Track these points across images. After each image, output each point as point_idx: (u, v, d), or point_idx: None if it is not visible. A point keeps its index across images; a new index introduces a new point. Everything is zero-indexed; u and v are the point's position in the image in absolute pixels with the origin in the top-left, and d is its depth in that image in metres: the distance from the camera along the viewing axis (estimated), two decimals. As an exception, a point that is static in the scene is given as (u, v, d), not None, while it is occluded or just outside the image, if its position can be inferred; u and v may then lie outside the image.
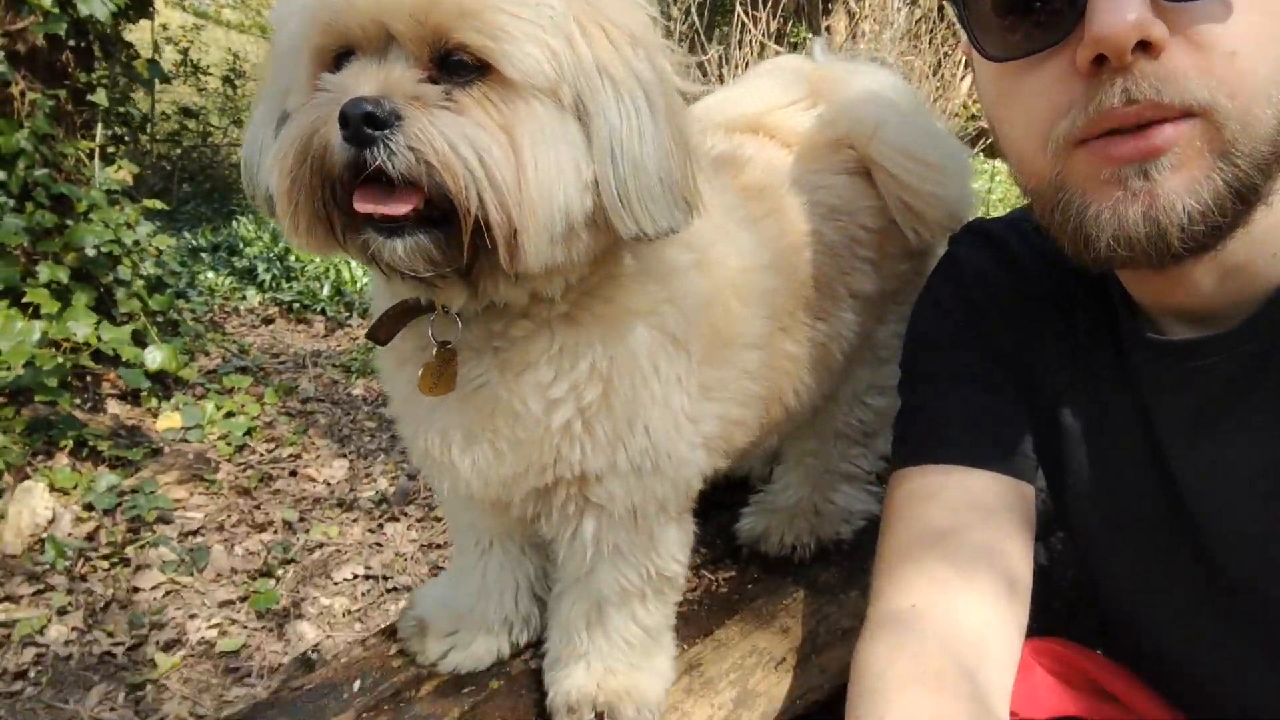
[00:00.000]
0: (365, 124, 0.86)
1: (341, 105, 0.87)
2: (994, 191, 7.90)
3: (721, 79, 7.65)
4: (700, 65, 7.71)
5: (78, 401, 3.33)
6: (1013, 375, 1.19)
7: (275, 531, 3.02)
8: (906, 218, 1.48)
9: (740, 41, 7.57)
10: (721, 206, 1.25)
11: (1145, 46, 0.80)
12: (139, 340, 3.61)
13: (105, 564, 2.69)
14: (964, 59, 8.17)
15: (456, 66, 0.92)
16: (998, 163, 8.47)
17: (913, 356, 1.30)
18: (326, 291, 5.34)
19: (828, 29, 8.20)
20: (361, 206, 0.90)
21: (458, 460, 1.15)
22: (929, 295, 1.31)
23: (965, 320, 1.23)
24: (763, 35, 7.60)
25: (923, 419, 1.23)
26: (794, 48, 7.97)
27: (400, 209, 0.89)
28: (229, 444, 3.47)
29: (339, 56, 0.96)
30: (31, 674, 2.26)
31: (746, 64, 7.68)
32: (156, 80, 4.34)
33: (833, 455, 1.66)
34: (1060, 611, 1.11)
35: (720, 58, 7.76)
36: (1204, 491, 1.01)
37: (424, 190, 0.89)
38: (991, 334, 1.20)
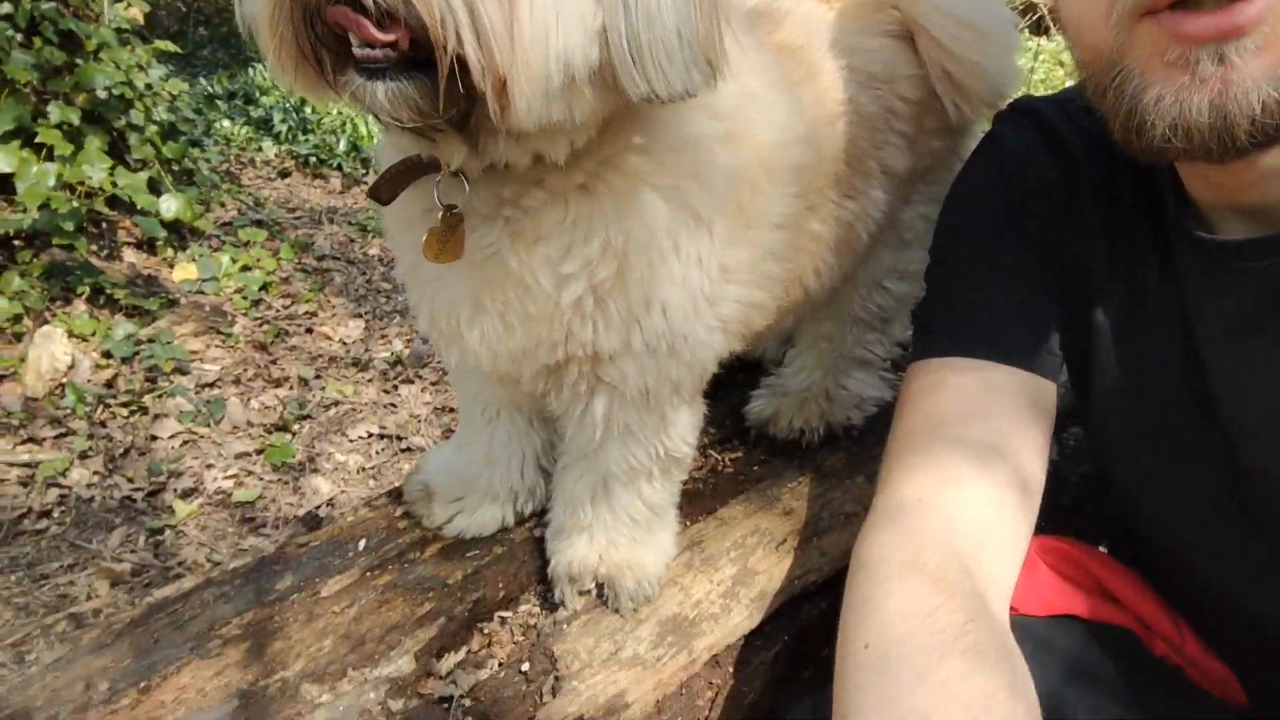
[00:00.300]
0: None
1: None
2: (1036, 72, 7.52)
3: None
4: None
5: (94, 248, 3.32)
6: (1048, 267, 1.12)
7: (291, 387, 3.04)
8: (948, 89, 1.38)
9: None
10: (755, 68, 1.15)
11: None
12: (154, 189, 3.56)
13: (124, 411, 2.73)
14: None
15: None
16: (1043, 40, 8.06)
17: (944, 242, 1.24)
18: (343, 146, 5.23)
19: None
20: (334, 15, 0.82)
21: (465, 331, 1.11)
22: (967, 177, 1.24)
23: (1004, 205, 1.16)
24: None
25: (948, 308, 1.18)
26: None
27: (374, 31, 0.82)
28: (245, 298, 3.46)
29: None
30: (55, 514, 2.33)
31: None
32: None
33: (848, 340, 1.62)
34: (1068, 507, 1.09)
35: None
36: (1239, 397, 0.97)
37: (405, 25, 0.81)
38: (1030, 221, 1.13)
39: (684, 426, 1.27)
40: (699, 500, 1.48)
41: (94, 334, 2.97)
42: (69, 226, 3.06)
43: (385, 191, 1.07)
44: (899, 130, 1.37)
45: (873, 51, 1.36)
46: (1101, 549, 1.23)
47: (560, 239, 1.04)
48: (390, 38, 0.81)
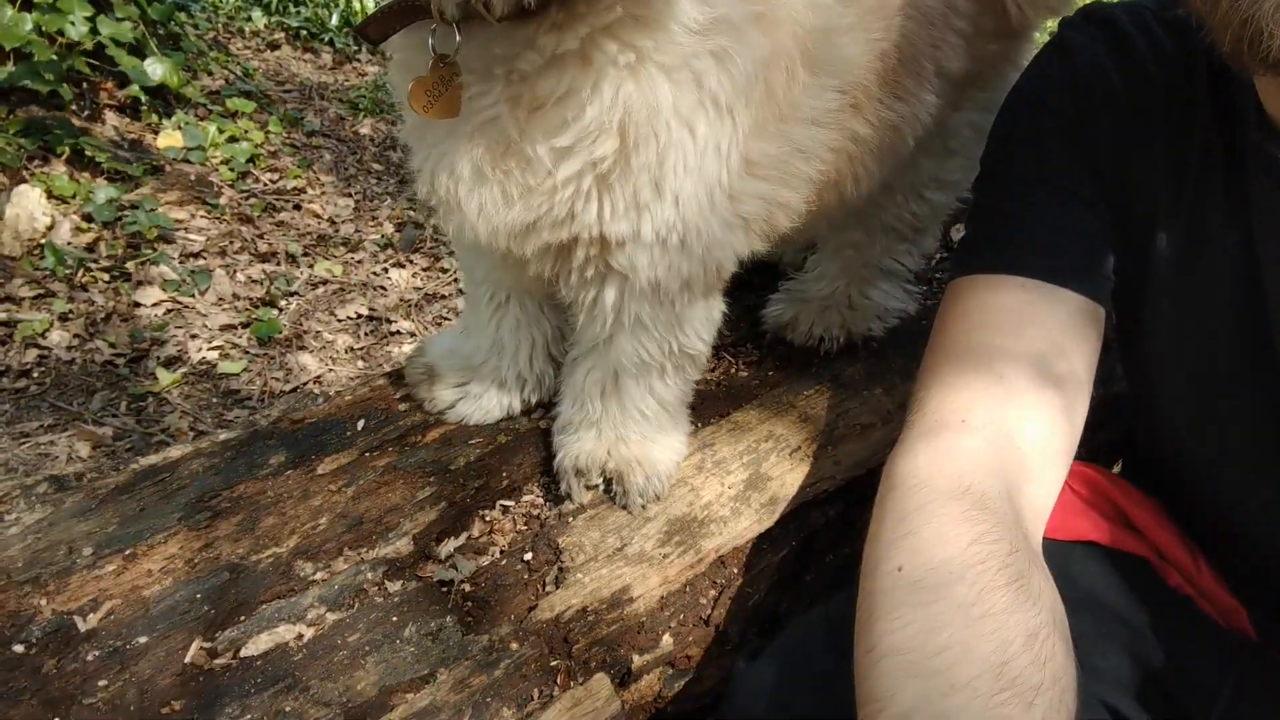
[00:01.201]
0: None
1: None
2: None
3: None
4: None
5: (74, 109, 3.16)
6: (1109, 189, 1.06)
7: (278, 263, 2.96)
8: (1016, -20, 1.29)
9: None
10: None
11: None
12: (138, 53, 3.38)
13: (105, 276, 2.64)
14: None
15: None
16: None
17: (998, 152, 1.17)
18: (335, 20, 4.99)
19: None
20: None
21: (464, 200, 1.05)
22: (1028, 85, 1.16)
23: (1066, 119, 1.09)
24: None
25: (1000, 223, 1.12)
26: None
27: None
28: (231, 169, 3.33)
29: None
30: (35, 374, 2.26)
31: None
32: None
33: (876, 249, 1.56)
34: (1088, 424, 1.06)
35: None
36: None
37: None
38: (1095, 138, 1.07)
39: (698, 322, 1.22)
40: (712, 402, 1.44)
41: (74, 196, 2.85)
42: (50, 77, 2.90)
43: (374, 30, 0.99)
44: (957, 29, 1.28)
45: None
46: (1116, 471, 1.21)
47: (557, 109, 0.97)
48: None
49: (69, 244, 2.68)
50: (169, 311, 2.59)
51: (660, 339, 1.19)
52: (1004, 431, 0.97)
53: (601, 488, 1.28)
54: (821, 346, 1.57)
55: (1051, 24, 1.37)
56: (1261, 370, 0.96)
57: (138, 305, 2.56)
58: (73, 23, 3.04)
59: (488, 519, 1.25)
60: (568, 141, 0.98)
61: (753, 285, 1.71)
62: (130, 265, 2.70)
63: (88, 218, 2.82)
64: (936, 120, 1.35)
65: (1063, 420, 1.01)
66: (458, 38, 0.95)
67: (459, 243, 1.29)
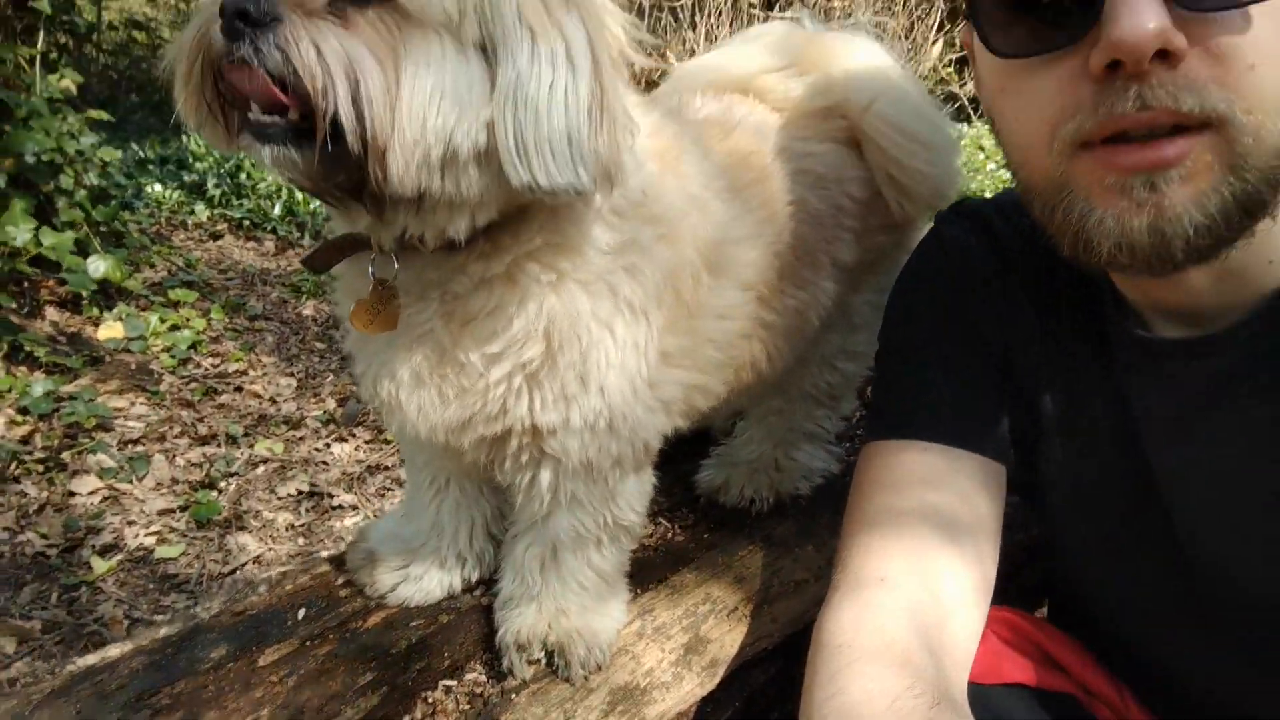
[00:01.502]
0: (237, 18, 0.88)
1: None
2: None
3: (693, 25, 7.56)
4: (673, 10, 7.61)
5: (13, 306, 3.21)
6: (991, 357, 1.19)
7: (219, 444, 2.96)
8: (893, 191, 1.49)
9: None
10: (702, 176, 1.27)
11: (1164, 55, 0.78)
12: (82, 251, 3.49)
13: (40, 468, 2.61)
14: (936, 23, 8.15)
15: None
16: (964, 127, 8.52)
17: (893, 329, 1.30)
18: (278, 210, 5.19)
19: (806, -12, 8.10)
20: (230, 75, 0.91)
21: (405, 402, 1.17)
22: (913, 270, 1.31)
23: (948, 298, 1.23)
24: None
25: (900, 393, 1.24)
26: (768, 2, 7.88)
27: (270, 86, 0.89)
28: (173, 356, 3.38)
29: None
30: (-41, 571, 2.20)
31: (719, 13, 7.59)
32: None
33: (797, 414, 1.68)
34: (1004, 572, 1.15)
35: (694, 5, 7.65)
36: (1181, 488, 1.04)
37: (294, 95, 0.89)
38: (973, 315, 1.21)
39: (631, 496, 1.30)
40: (650, 568, 1.49)
41: (10, 390, 2.86)
42: (-10, 282, 2.97)
43: (319, 261, 1.15)
44: (847, 226, 1.47)
45: (821, 155, 1.46)
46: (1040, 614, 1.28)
47: (487, 322, 1.12)
48: (285, 101, 0.88)
49: (3, 437, 2.67)
50: (105, 499, 2.57)
51: (595, 513, 1.27)
52: (922, 586, 1.04)
53: (544, 661, 1.31)
54: (753, 507, 1.66)
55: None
56: (1151, 526, 1.06)
57: (72, 495, 2.54)
58: (15, 235, 3.15)
59: (430, 700, 1.26)
60: (498, 348, 1.12)
61: (686, 451, 1.80)
62: (66, 455, 2.69)
63: (23, 410, 2.82)
64: (838, 301, 1.51)
65: (975, 571, 1.09)
66: (395, 265, 1.08)
67: (401, 437, 1.38)
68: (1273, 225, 0.89)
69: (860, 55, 1.54)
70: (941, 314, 1.23)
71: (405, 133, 0.91)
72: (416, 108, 0.92)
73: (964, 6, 0.97)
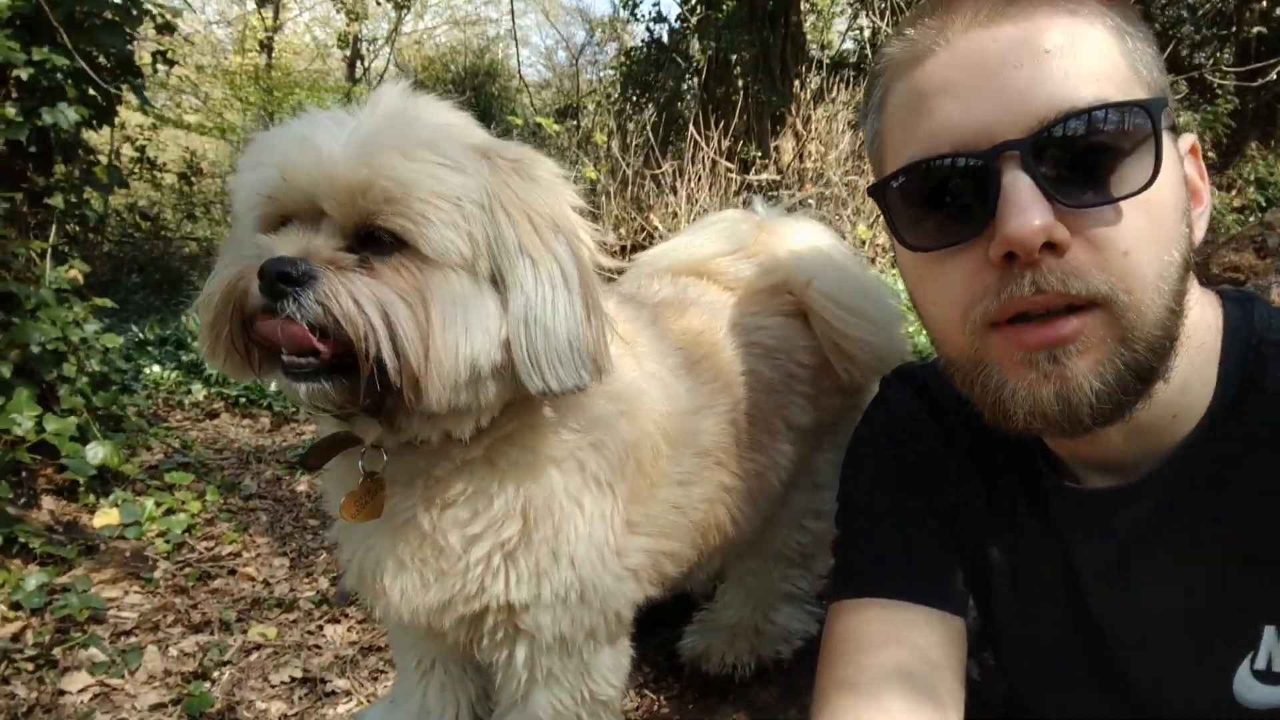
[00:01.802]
0: (279, 280, 1.00)
1: (262, 262, 1.01)
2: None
3: (675, 190, 7.97)
4: (655, 178, 8.05)
5: (10, 497, 3.26)
6: (939, 514, 1.27)
7: (212, 632, 2.95)
8: (839, 359, 1.60)
9: (693, 158, 7.92)
10: (657, 354, 1.39)
11: (1051, 246, 0.91)
12: (81, 436, 3.56)
13: (30, 666, 2.59)
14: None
15: (378, 240, 1.07)
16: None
17: (848, 492, 1.38)
18: (274, 386, 5.31)
19: (776, 149, 8.61)
20: (264, 325, 1.03)
21: (388, 587, 1.25)
22: (861, 435, 1.40)
23: (895, 461, 1.31)
24: (714, 152, 7.97)
25: (859, 553, 1.31)
26: (744, 165, 8.34)
27: (310, 337, 1.01)
28: (167, 541, 3.40)
29: (280, 222, 1.11)
30: (-57, 785, 2.16)
31: (699, 178, 8.02)
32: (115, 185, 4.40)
33: (773, 576, 1.73)
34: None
35: (674, 171, 8.09)
36: (1122, 631, 1.10)
37: (332, 339, 1.00)
38: (921, 475, 1.29)
39: (606, 669, 1.35)
40: (635, 742, 1.51)
41: (4, 585, 2.87)
42: (-7, 477, 3.03)
43: (314, 460, 1.24)
44: (800, 391, 1.58)
45: (771, 328, 1.59)
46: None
47: (467, 504, 1.21)
48: (321, 347, 1.00)
49: (-5, 636, 2.66)
50: (96, 697, 2.54)
51: (573, 689, 1.31)
52: None
53: (533, 846, 1.31)
54: (735, 674, 1.68)
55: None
56: (1099, 668, 1.12)
57: (62, 693, 2.51)
58: (19, 422, 3.23)
59: None
60: (478, 529, 1.20)
61: (668, 617, 1.84)
62: (58, 651, 2.67)
63: (15, 605, 2.82)
64: (798, 464, 1.59)
65: None
66: (384, 458, 1.18)
67: (386, 621, 1.43)
68: (1167, 387, 0.99)
69: (803, 237, 1.70)
70: (892, 475, 1.31)
71: (442, 363, 1.04)
72: (449, 341, 1.04)
73: (881, 209, 1.11)
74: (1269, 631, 0.99)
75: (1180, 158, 1.02)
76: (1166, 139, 0.94)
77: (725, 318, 1.56)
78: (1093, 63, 0.94)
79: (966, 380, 1.05)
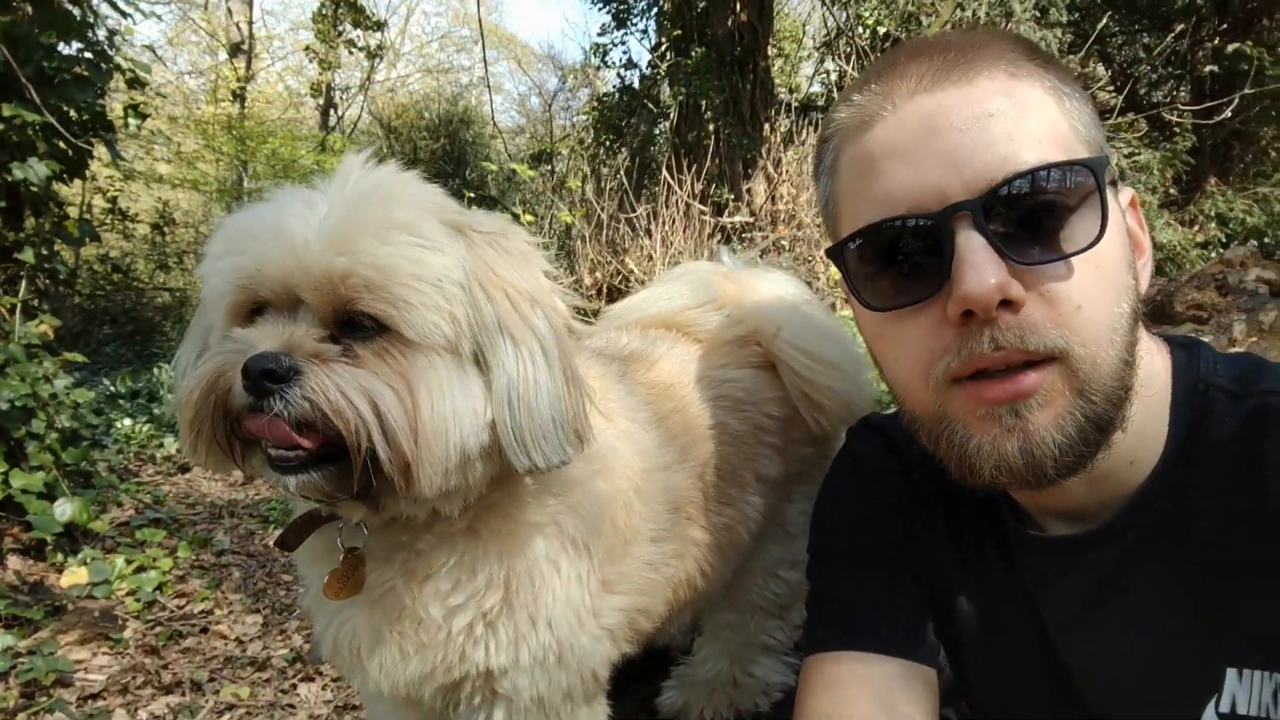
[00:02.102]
0: (264, 378, 0.99)
1: (246, 359, 0.99)
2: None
3: (649, 234, 8.04)
4: (630, 222, 8.12)
5: (-25, 557, 3.20)
6: (909, 564, 1.28)
7: (183, 693, 2.89)
8: (807, 407, 1.61)
9: (667, 201, 8.00)
10: (627, 409, 1.39)
11: (1007, 303, 0.93)
12: (49, 493, 3.51)
13: (-8, 736, 2.53)
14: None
15: (359, 325, 1.06)
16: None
17: (817, 544, 1.39)
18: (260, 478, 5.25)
19: (748, 191, 8.72)
20: (252, 424, 1.01)
21: (366, 661, 1.23)
22: (829, 487, 1.41)
23: (862, 512, 1.33)
24: (688, 196, 8.05)
25: (830, 605, 1.31)
26: (717, 208, 8.43)
27: (294, 436, 1.00)
28: (138, 600, 3.34)
29: (254, 309, 1.10)
30: None
31: (673, 221, 8.09)
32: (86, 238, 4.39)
33: (749, 628, 1.73)
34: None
35: (649, 215, 8.17)
36: (1089, 675, 1.11)
37: (320, 432, 0.99)
38: (887, 526, 1.30)
39: None
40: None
41: (-33, 650, 2.81)
42: (-45, 538, 2.97)
43: (292, 539, 1.23)
44: (768, 443, 1.59)
45: (739, 380, 1.60)
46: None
47: (449, 575, 1.20)
48: (306, 444, 1.00)
49: (-43, 705, 2.60)
50: (61, 766, 2.48)
51: None
52: None
53: None
54: (716, 730, 1.66)
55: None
56: (1073, 716, 1.13)
57: (27, 763, 2.45)
58: (-15, 480, 3.17)
59: None
60: (460, 599, 1.20)
61: (645, 673, 1.82)
62: (22, 717, 2.61)
63: (-20, 671, 2.75)
64: (768, 515, 1.60)
65: None
66: (365, 533, 1.17)
67: (363, 691, 1.41)
68: (1125, 436, 1.02)
69: (770, 287, 1.72)
70: (860, 527, 1.32)
71: (432, 449, 1.03)
72: (437, 426, 1.04)
73: (839, 271, 1.13)
74: (1231, 674, 1.00)
75: (1122, 211, 1.05)
76: (1109, 195, 0.98)
77: (693, 370, 1.58)
78: (1034, 124, 0.98)
79: (931, 436, 1.07)
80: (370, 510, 1.11)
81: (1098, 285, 0.97)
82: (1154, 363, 1.09)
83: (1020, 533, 1.17)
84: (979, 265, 0.92)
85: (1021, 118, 0.97)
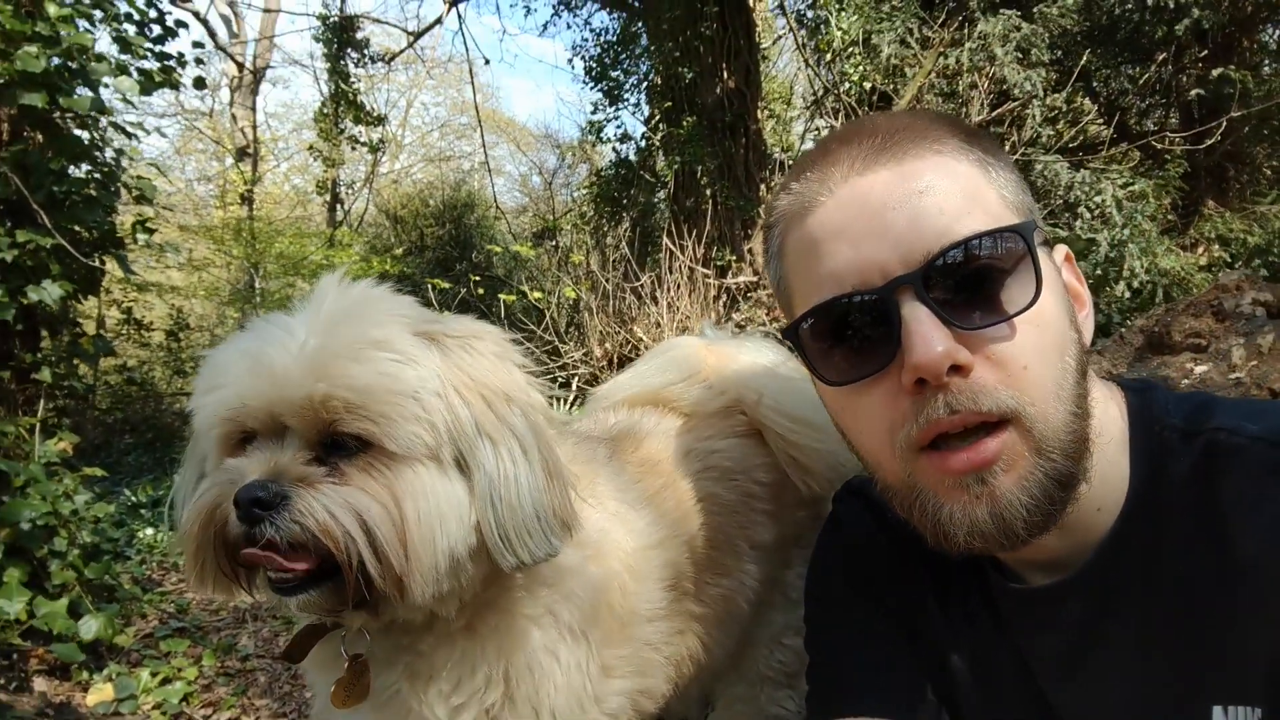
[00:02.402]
0: (255, 506, 1.03)
1: (236, 490, 1.04)
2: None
3: (655, 300, 8.12)
4: (635, 291, 8.22)
5: (1, 682, 3.21)
6: (901, 627, 1.28)
7: (210, 812, 2.86)
8: (796, 471, 1.63)
9: (670, 267, 8.10)
10: (616, 490, 1.41)
11: (956, 368, 0.97)
12: (73, 610, 3.53)
13: None
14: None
15: (343, 445, 1.10)
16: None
17: (811, 613, 1.40)
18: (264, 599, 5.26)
19: (749, 251, 8.82)
20: (247, 553, 1.05)
21: None
22: (818, 557, 1.43)
23: (850, 579, 1.34)
24: (690, 260, 8.15)
25: (827, 673, 1.31)
26: (720, 270, 8.52)
27: (285, 564, 1.04)
28: (164, 713, 3.34)
29: (243, 438, 1.15)
30: None
31: (678, 286, 8.18)
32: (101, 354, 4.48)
33: (760, 700, 1.72)
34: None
35: (653, 282, 8.26)
36: (1082, 715, 1.11)
37: (313, 552, 1.03)
38: (875, 590, 1.31)
39: None
40: None
41: (-6, 778, 2.81)
42: (-20, 668, 2.99)
43: (297, 650, 1.26)
44: (760, 509, 1.60)
45: (725, 450, 1.62)
46: None
47: (450, 674, 1.21)
48: (301, 567, 1.03)
49: (-14, 835, 2.58)
50: None
51: None
52: None
53: None
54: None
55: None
56: None
57: None
58: (9, 610, 3.20)
59: None
60: (462, 698, 1.21)
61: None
62: (51, 845, 2.59)
63: (8, 799, 2.74)
64: (766, 582, 1.60)
65: None
66: (367, 638, 1.20)
67: None
68: (1089, 486, 1.03)
69: (749, 356, 1.75)
70: (847, 594, 1.33)
71: (422, 559, 1.06)
72: (426, 536, 1.07)
73: (794, 349, 1.16)
74: (1217, 712, 1.00)
75: (1058, 268, 1.08)
76: (1042, 254, 1.02)
77: (680, 444, 1.60)
78: (963, 196, 1.02)
79: (905, 506, 1.09)
80: (370, 617, 1.13)
81: (1041, 343, 1.00)
82: (1109, 409, 1.11)
83: (1002, 585, 1.18)
84: (925, 335, 0.96)
85: (950, 191, 1.02)
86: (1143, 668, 1.06)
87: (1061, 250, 1.13)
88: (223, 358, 1.15)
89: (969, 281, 0.99)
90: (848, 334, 1.05)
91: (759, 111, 9.68)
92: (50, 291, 3.82)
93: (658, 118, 9.55)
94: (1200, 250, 8.78)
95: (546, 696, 1.23)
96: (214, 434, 1.15)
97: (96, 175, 4.56)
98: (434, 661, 1.20)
